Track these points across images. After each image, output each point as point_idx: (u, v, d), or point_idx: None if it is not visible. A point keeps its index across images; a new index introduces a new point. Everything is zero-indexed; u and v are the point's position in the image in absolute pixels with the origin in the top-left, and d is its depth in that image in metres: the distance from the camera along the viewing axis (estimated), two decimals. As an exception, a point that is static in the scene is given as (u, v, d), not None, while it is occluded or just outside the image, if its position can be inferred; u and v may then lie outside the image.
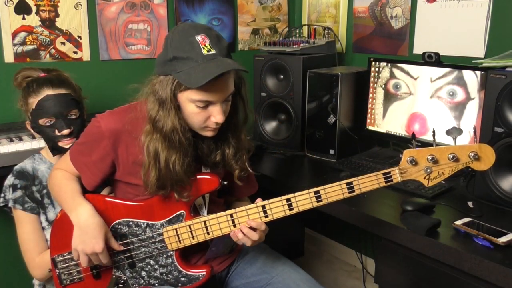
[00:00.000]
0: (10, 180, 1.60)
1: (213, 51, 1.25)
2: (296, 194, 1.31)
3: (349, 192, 1.29)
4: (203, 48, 1.24)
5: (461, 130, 1.27)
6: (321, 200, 1.30)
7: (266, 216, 1.33)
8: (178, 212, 1.39)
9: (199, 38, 1.25)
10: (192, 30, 1.26)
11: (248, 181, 1.59)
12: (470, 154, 1.25)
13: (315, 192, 1.30)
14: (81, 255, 1.33)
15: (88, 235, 1.32)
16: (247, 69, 1.31)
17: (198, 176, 1.39)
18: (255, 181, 1.64)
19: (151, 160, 1.31)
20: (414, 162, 1.27)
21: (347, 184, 1.29)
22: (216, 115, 1.29)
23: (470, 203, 1.64)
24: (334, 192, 1.30)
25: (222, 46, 1.28)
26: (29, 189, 1.59)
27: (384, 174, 1.28)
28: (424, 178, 1.29)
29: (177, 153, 1.30)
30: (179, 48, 1.25)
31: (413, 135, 1.33)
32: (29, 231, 1.58)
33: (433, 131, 1.31)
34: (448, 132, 1.28)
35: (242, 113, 1.41)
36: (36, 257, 1.56)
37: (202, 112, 1.29)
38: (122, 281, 1.42)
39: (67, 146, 1.60)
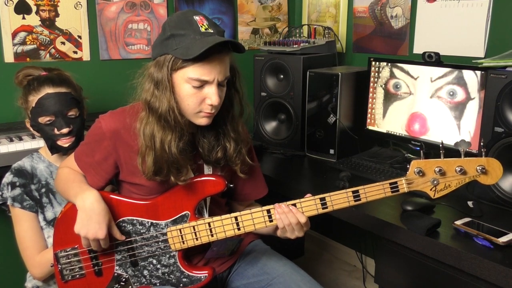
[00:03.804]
0: (8, 178, 1.59)
1: (210, 30, 1.28)
2: (302, 200, 1.31)
3: (355, 201, 1.30)
4: (201, 26, 1.27)
5: (469, 143, 1.26)
6: (326, 207, 1.31)
7: (271, 221, 1.33)
8: (183, 213, 1.39)
9: (197, 18, 1.28)
10: (190, 12, 1.30)
11: (257, 183, 1.59)
12: (478, 167, 1.24)
13: (321, 199, 1.30)
14: (83, 239, 1.34)
15: (92, 220, 1.31)
16: (244, 49, 1.32)
17: (204, 178, 1.39)
18: (265, 185, 1.63)
19: (147, 144, 1.31)
20: (421, 173, 1.27)
21: (353, 192, 1.29)
22: (212, 96, 1.29)
23: (470, 203, 1.64)
24: (340, 199, 1.30)
25: (220, 30, 1.31)
26: (28, 187, 1.59)
27: (390, 184, 1.29)
28: (431, 189, 1.29)
29: (172, 134, 1.30)
30: (177, 27, 1.27)
31: (442, 143, 1.31)
32: (28, 229, 1.58)
33: (441, 143, 1.30)
34: (457, 145, 1.27)
35: (238, 106, 1.41)
36: (36, 256, 1.56)
37: (197, 93, 1.29)
38: (123, 279, 1.42)
39: (66, 145, 1.60)
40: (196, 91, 1.28)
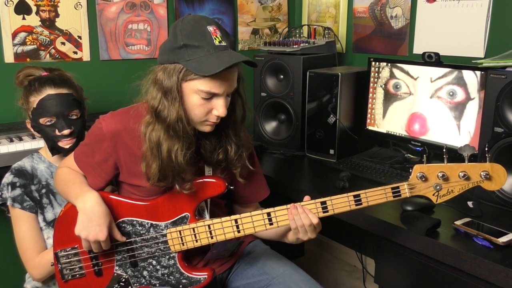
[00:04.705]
0: (8, 178, 1.59)
1: (224, 43, 1.26)
2: (303, 203, 1.31)
3: (356, 205, 1.29)
4: (215, 38, 1.25)
5: (473, 148, 1.24)
6: (327, 211, 1.30)
7: (271, 224, 1.33)
8: (183, 214, 1.39)
9: (210, 29, 1.26)
10: (203, 21, 1.28)
11: (258, 185, 1.59)
12: (482, 173, 1.23)
13: (322, 203, 1.30)
14: (83, 241, 1.34)
15: (92, 222, 1.31)
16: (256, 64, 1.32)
17: (204, 180, 1.39)
18: (266, 188, 1.63)
19: (153, 151, 1.30)
20: (424, 178, 1.26)
21: (355, 196, 1.28)
22: (219, 108, 1.29)
23: (470, 203, 1.64)
24: (341, 203, 1.29)
25: (231, 40, 1.30)
26: (28, 188, 1.59)
27: (392, 188, 1.27)
28: (433, 194, 1.27)
29: (179, 143, 1.29)
30: (190, 37, 1.24)
31: (446, 147, 1.30)
32: (28, 229, 1.57)
33: (445, 147, 1.29)
34: (461, 150, 1.25)
35: (240, 111, 1.41)
36: (35, 257, 1.55)
37: (205, 104, 1.28)
38: (123, 280, 1.43)
39: (67, 146, 1.60)
40: (204, 102, 1.28)
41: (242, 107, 1.40)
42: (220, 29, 1.28)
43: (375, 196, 1.28)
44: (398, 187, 1.27)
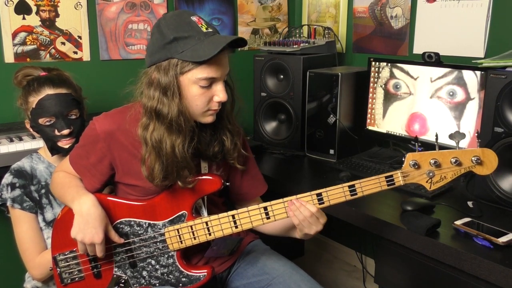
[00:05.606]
0: (8, 178, 1.59)
1: (210, 29, 1.28)
2: (298, 196, 1.31)
3: (351, 195, 1.29)
4: (201, 26, 1.27)
5: (464, 134, 1.26)
6: (323, 203, 1.30)
7: (268, 218, 1.33)
8: (180, 213, 1.39)
9: (194, 18, 1.28)
10: (185, 13, 1.30)
11: (255, 181, 1.59)
12: (473, 158, 1.24)
13: (317, 195, 1.30)
14: (79, 244, 1.34)
15: (88, 224, 1.31)
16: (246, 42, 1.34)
17: (200, 177, 1.39)
18: (264, 182, 1.63)
19: (155, 151, 1.29)
20: (416, 166, 1.27)
21: (349, 186, 1.29)
22: (220, 93, 1.30)
23: (470, 203, 1.64)
24: (336, 194, 1.30)
25: (216, 28, 1.32)
26: (27, 188, 1.59)
27: (386, 177, 1.28)
28: (427, 181, 1.28)
29: (182, 137, 1.29)
30: (178, 29, 1.25)
31: (416, 138, 1.33)
32: (28, 230, 1.57)
33: (436, 135, 1.30)
34: (451, 136, 1.27)
35: (229, 99, 1.41)
36: (36, 257, 1.55)
37: (205, 93, 1.29)
38: (123, 281, 1.43)
39: (66, 146, 1.60)
40: (204, 90, 1.29)
41: (231, 96, 1.41)
42: (202, 18, 1.30)
43: (370, 185, 1.29)
44: (391, 176, 1.28)
